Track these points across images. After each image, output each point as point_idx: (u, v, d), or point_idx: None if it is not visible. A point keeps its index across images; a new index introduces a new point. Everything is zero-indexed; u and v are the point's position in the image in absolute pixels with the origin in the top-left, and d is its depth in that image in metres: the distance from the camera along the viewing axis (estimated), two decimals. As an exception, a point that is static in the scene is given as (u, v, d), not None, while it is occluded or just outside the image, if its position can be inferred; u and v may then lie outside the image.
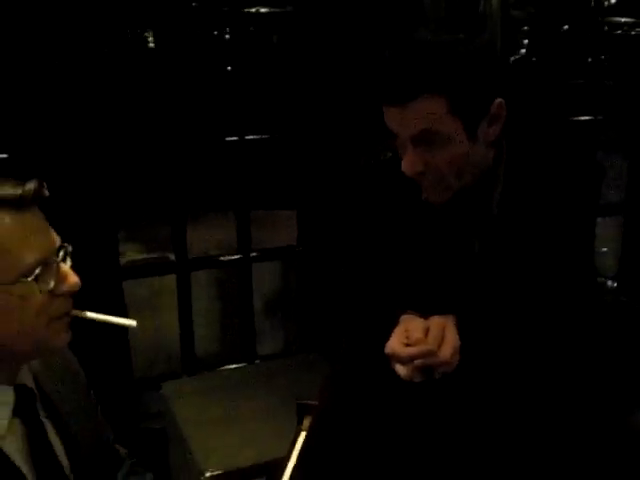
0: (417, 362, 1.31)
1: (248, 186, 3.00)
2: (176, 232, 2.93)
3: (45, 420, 1.25)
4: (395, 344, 1.34)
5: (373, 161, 1.55)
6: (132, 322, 1.25)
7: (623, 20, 3.37)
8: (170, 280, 2.99)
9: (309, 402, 1.71)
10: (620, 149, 3.71)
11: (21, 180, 1.16)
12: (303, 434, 1.61)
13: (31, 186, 1.14)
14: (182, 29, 2.78)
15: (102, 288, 2.60)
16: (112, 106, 2.60)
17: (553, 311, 1.37)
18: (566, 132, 1.54)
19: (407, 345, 1.33)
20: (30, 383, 1.24)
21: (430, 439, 1.41)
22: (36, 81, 2.40)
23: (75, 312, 1.21)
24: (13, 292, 1.11)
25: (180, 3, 2.75)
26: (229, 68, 2.90)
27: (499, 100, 1.34)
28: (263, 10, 2.82)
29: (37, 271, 1.13)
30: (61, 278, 1.17)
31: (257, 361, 3.05)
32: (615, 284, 3.63)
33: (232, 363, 3.00)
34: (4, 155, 2.46)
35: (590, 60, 3.36)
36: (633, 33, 3.43)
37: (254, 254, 3.05)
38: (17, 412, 1.19)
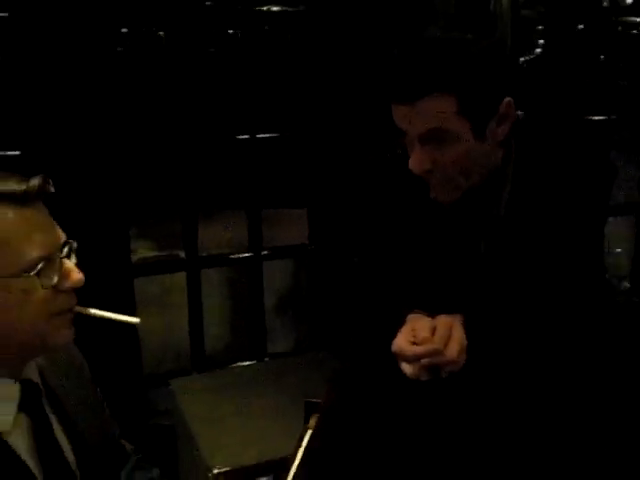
0: (423, 361, 1.30)
1: (259, 184, 3.00)
2: (187, 230, 2.93)
3: (51, 415, 1.25)
4: (402, 342, 1.33)
5: (381, 159, 1.54)
6: (135, 319, 1.25)
7: (638, 20, 3.35)
8: (181, 277, 3.01)
9: (317, 400, 1.71)
10: (634, 149, 3.69)
11: (30, 176, 1.17)
12: (309, 432, 1.60)
13: (35, 182, 1.15)
14: (195, 27, 2.78)
15: (113, 285, 2.61)
16: (124, 103, 2.61)
17: (561, 311, 1.36)
18: (578, 132, 1.53)
19: (414, 344, 1.33)
20: (36, 378, 1.24)
21: (435, 438, 1.41)
22: (48, 78, 2.41)
23: (78, 308, 1.21)
24: (15, 287, 1.12)
25: (193, 1, 2.76)
26: (241, 66, 2.90)
27: (508, 99, 1.33)
28: (275, 9, 2.82)
29: (39, 266, 1.13)
30: (64, 274, 1.17)
31: (267, 359, 3.05)
32: (629, 285, 3.61)
33: (242, 361, 3.00)
34: (16, 152, 2.48)
35: (604, 59, 3.34)
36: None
37: (265, 252, 3.05)
38: (23, 407, 1.20)
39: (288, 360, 2.91)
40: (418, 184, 1.40)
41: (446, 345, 1.31)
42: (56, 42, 2.40)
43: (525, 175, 1.39)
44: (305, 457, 1.51)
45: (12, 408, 1.19)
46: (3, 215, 1.11)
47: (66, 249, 1.19)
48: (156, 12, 3.16)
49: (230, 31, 3.41)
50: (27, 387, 1.21)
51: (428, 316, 1.38)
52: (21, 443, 1.19)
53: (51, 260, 1.15)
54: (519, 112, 1.38)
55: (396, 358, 1.35)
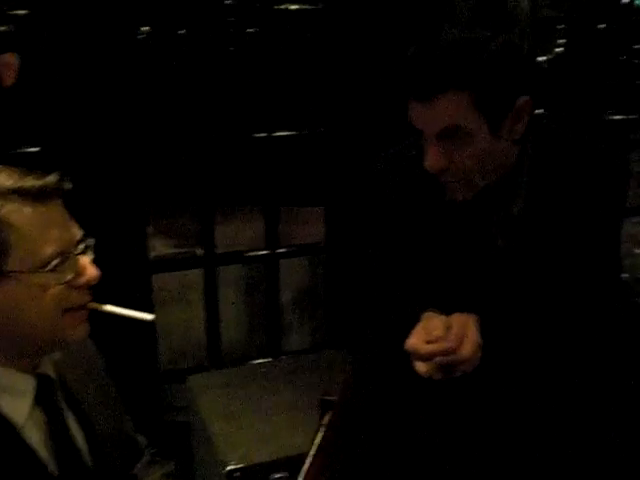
0: (437, 359, 1.30)
1: (276, 182, 3.01)
2: (204, 227, 2.95)
3: (65, 409, 1.26)
4: (415, 341, 1.33)
5: (395, 159, 1.54)
6: (149, 316, 1.26)
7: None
8: (199, 275, 3.02)
9: (332, 398, 1.71)
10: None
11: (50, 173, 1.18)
12: (324, 429, 1.61)
13: (52, 179, 1.16)
14: (214, 26, 2.79)
15: (130, 281, 2.63)
16: (143, 101, 2.63)
17: (576, 311, 1.36)
18: (596, 131, 1.52)
19: (428, 342, 1.33)
20: (51, 372, 1.25)
21: (449, 436, 1.41)
22: (68, 76, 2.43)
23: (93, 305, 1.22)
24: (31, 282, 1.13)
25: (212, 0, 2.77)
26: (259, 65, 2.91)
27: (524, 97, 1.33)
28: (293, 7, 2.83)
29: (55, 262, 1.14)
30: (79, 271, 1.18)
31: (283, 356, 3.05)
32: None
33: (258, 358, 3.01)
34: (36, 149, 2.50)
35: (624, 59, 3.31)
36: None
37: (281, 250, 3.06)
38: (38, 401, 1.21)
39: (304, 357, 2.91)
40: (433, 183, 1.39)
41: (460, 344, 1.31)
42: (76, 40, 2.41)
43: (542, 173, 1.39)
44: (319, 454, 1.51)
45: (27, 401, 1.20)
46: (20, 211, 1.12)
47: (82, 246, 1.20)
48: (176, 11, 3.18)
49: (249, 30, 3.42)
50: (42, 381, 1.22)
51: (443, 315, 1.38)
52: (35, 436, 1.20)
53: (66, 256, 1.16)
54: (539, 111, 1.37)
55: (410, 356, 1.35)
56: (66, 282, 1.16)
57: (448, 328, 1.33)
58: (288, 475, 2.09)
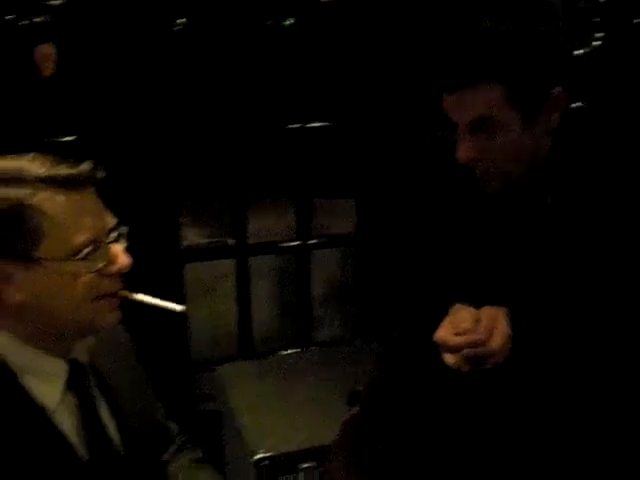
0: (465, 351, 1.30)
1: (308, 174, 3.01)
2: (236, 217, 2.96)
3: (97, 395, 1.28)
4: (444, 333, 1.33)
5: (428, 150, 1.54)
6: (179, 307, 1.26)
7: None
8: (232, 265, 3.04)
9: (361, 389, 1.72)
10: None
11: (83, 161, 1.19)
12: (351, 420, 1.61)
13: (85, 167, 1.17)
14: (249, 16, 2.80)
15: (163, 270, 2.65)
16: (177, 91, 2.64)
17: (607, 305, 1.34)
18: (632, 126, 1.50)
19: (457, 334, 1.32)
20: (83, 358, 1.27)
21: (476, 428, 1.40)
22: (103, 66, 2.45)
23: (124, 293, 1.23)
24: (61, 270, 1.14)
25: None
26: (293, 56, 2.92)
27: (559, 89, 1.32)
28: (327, -2, 2.83)
29: (86, 251, 1.15)
30: (111, 259, 1.19)
31: (313, 347, 3.06)
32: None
33: (288, 348, 3.02)
34: (72, 137, 2.54)
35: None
36: None
37: (313, 241, 3.06)
38: (70, 385, 1.22)
39: (334, 349, 2.92)
40: (465, 174, 1.39)
41: (490, 336, 1.30)
42: (112, 30, 2.44)
43: (575, 166, 1.37)
44: (346, 444, 1.52)
45: (59, 386, 1.21)
46: (52, 199, 1.14)
47: (115, 234, 1.21)
48: (212, 3, 3.19)
49: (284, 21, 3.42)
50: (74, 366, 1.24)
51: (472, 307, 1.37)
52: (67, 421, 1.22)
53: (98, 244, 1.17)
54: (575, 104, 1.36)
55: (439, 348, 1.34)
56: (97, 270, 1.17)
57: (477, 320, 1.32)
58: (316, 465, 2.10)
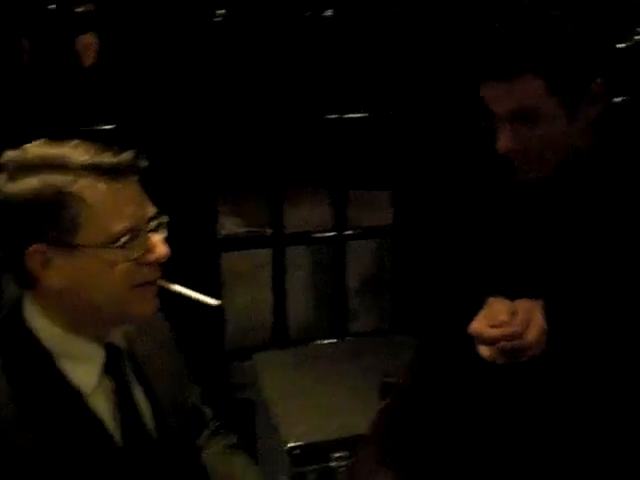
0: (501, 344, 1.29)
1: (345, 165, 3.01)
2: (273, 208, 2.97)
3: (133, 380, 1.29)
4: (480, 325, 1.32)
5: (467, 141, 1.53)
6: (214, 301, 1.26)
7: None
8: (268, 255, 3.06)
9: (394, 381, 1.71)
10: None
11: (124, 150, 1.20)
12: (384, 411, 1.61)
13: (127, 156, 1.18)
14: (287, 8, 2.80)
15: (200, 259, 2.68)
16: (216, 82, 2.66)
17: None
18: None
19: (492, 327, 1.31)
20: (120, 342, 1.28)
21: (511, 422, 1.39)
22: (143, 55, 2.48)
23: (161, 282, 1.24)
24: (99, 257, 1.15)
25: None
26: (331, 46, 2.91)
27: (600, 80, 1.30)
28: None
29: (124, 239, 1.16)
30: (149, 248, 1.20)
31: (347, 338, 3.07)
32: None
33: (323, 338, 3.03)
34: (111, 126, 2.57)
35: None
36: None
37: (349, 232, 3.07)
38: (107, 370, 1.24)
39: (368, 340, 2.92)
40: (505, 165, 1.38)
41: (526, 329, 1.29)
42: (153, 20, 2.46)
43: (615, 158, 1.36)
44: (379, 434, 1.52)
45: (96, 370, 1.23)
46: (93, 187, 1.15)
47: (154, 223, 1.22)
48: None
49: (323, 13, 3.42)
50: (111, 351, 1.25)
51: (508, 300, 1.36)
52: (102, 405, 1.23)
53: (136, 233, 1.18)
54: (620, 98, 1.34)
55: (474, 341, 1.34)
56: (135, 259, 1.17)
57: (513, 313, 1.31)
58: (348, 455, 2.10)
